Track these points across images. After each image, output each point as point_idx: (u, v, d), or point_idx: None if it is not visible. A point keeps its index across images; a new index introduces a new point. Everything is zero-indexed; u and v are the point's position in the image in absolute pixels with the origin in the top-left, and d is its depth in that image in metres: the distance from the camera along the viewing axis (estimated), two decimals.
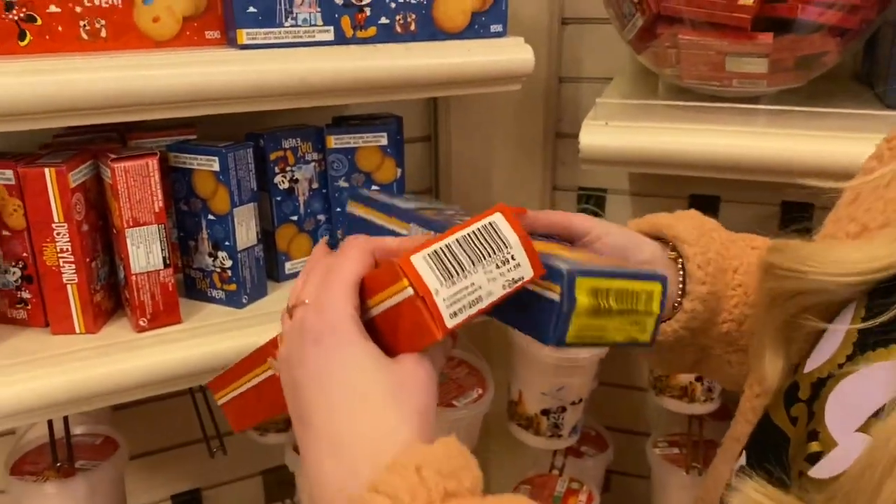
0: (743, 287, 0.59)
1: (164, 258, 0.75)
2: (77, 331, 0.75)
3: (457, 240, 0.41)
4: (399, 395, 0.40)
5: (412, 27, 0.81)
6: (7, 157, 0.74)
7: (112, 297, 0.80)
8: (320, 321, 0.41)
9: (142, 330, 0.76)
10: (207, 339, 0.76)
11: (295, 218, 0.88)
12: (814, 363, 0.45)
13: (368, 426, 0.39)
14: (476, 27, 0.84)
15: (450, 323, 0.40)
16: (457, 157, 1.23)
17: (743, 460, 0.48)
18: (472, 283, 0.41)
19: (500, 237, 0.43)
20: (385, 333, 0.41)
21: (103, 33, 0.72)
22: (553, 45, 1.16)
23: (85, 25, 0.71)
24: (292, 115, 0.88)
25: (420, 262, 0.39)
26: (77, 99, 0.66)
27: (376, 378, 0.40)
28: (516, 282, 0.43)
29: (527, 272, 0.43)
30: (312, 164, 0.88)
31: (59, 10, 0.70)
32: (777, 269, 0.46)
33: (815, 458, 0.39)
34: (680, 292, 0.59)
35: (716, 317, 0.59)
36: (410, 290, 0.39)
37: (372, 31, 0.79)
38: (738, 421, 0.56)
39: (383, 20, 0.79)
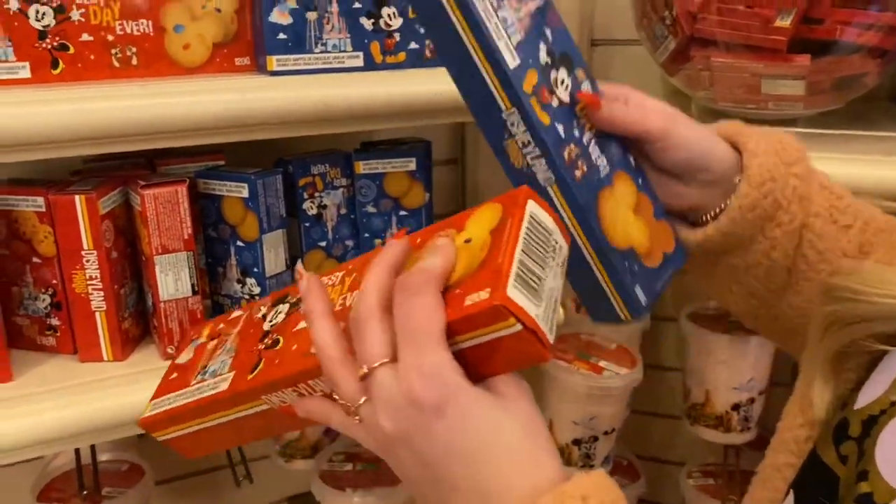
0: (771, 242, 0.55)
1: (192, 285, 0.75)
2: (105, 358, 0.75)
3: (523, 251, 0.39)
4: (529, 433, 0.39)
5: None
6: (38, 184, 0.74)
7: (140, 323, 0.79)
8: (434, 390, 0.38)
9: (169, 357, 0.75)
10: None
11: (323, 244, 0.87)
12: (865, 399, 0.43)
13: (522, 476, 0.38)
14: None
15: (552, 339, 0.39)
16: (485, 181, 1.22)
17: (791, 501, 0.47)
18: (549, 289, 0.40)
19: (543, 228, 0.41)
20: (476, 363, 0.40)
21: (134, 61, 0.72)
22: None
23: (116, 53, 0.71)
24: (320, 140, 0.87)
25: (515, 293, 0.37)
26: (108, 127, 0.66)
27: (509, 428, 0.39)
28: (564, 264, 0.42)
29: (565, 247, 0.43)
30: (341, 189, 0.87)
31: (91, 38, 0.70)
32: (839, 291, 0.44)
33: (864, 500, 0.38)
34: (714, 213, 0.55)
35: (731, 250, 0.57)
36: (519, 326, 0.37)
37: (401, 56, 0.79)
38: (778, 450, 0.54)
39: (413, 45, 0.79)
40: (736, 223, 0.54)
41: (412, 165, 0.88)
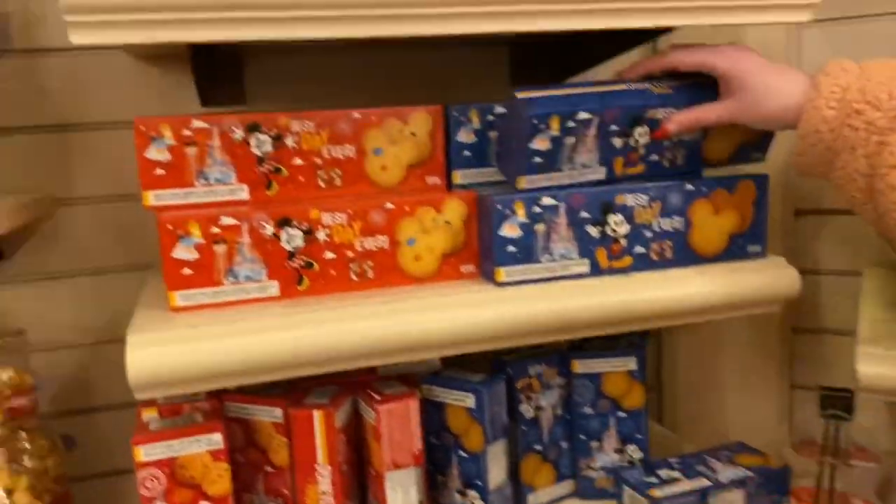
0: (840, 173, 0.66)
1: (419, 502, 0.73)
2: None
3: None
4: None
5: (668, 254, 0.78)
6: (275, 390, 0.76)
7: None
8: None
9: None
10: None
11: (539, 447, 0.84)
12: None
13: None
14: (733, 249, 0.80)
15: None
16: (684, 353, 1.17)
17: None
18: None
19: None
20: None
21: (370, 274, 0.74)
22: (787, 238, 1.09)
23: (355, 268, 0.74)
24: None
25: None
26: (347, 349, 0.67)
27: None
28: None
29: None
30: (557, 389, 0.84)
31: (333, 256, 0.73)
32: None
33: None
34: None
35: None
36: None
37: (627, 260, 0.77)
38: None
39: (639, 249, 0.77)
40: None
41: (632, 365, 0.84)
